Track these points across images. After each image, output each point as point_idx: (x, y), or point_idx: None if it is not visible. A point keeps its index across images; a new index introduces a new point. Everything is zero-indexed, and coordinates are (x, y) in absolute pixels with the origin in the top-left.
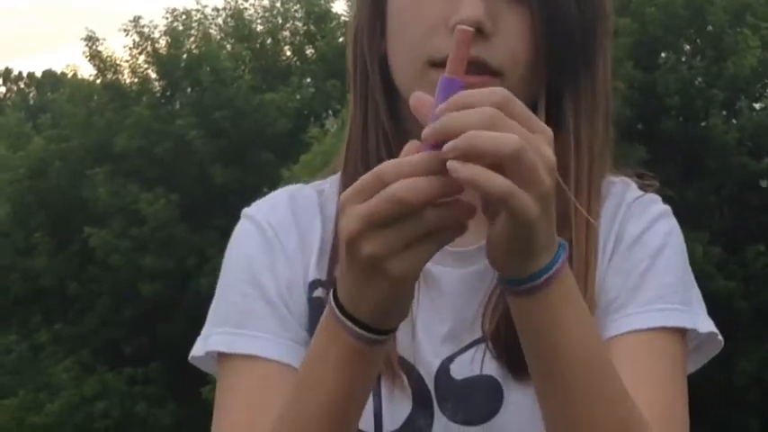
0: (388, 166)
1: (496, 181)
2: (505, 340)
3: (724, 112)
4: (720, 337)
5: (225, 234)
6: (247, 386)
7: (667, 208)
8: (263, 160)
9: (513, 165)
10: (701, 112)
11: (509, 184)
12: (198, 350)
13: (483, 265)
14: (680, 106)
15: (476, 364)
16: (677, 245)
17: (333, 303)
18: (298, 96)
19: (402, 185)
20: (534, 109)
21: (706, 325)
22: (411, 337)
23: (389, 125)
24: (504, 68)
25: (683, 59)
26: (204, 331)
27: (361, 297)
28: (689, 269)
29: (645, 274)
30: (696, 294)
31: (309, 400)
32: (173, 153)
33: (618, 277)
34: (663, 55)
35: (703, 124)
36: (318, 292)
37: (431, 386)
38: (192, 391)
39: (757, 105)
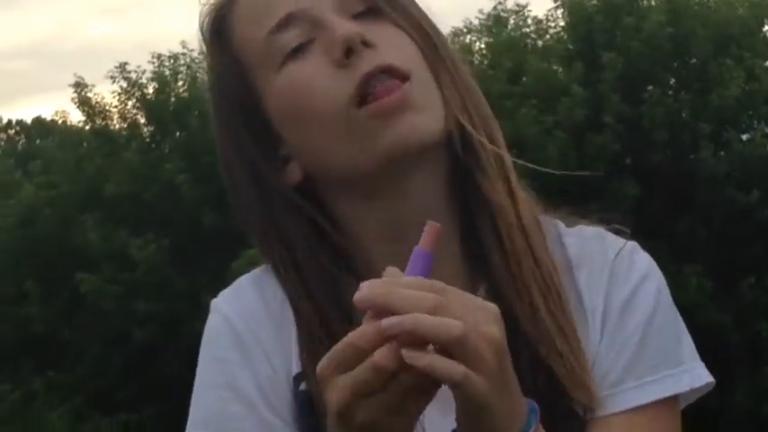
0: (357, 335)
1: (452, 367)
2: None
3: (711, 145)
4: (712, 379)
5: (216, 277)
6: None
7: (649, 259)
8: None
9: (458, 350)
10: (689, 145)
11: (463, 370)
12: None
13: None
14: (667, 140)
15: None
16: (667, 302)
17: None
18: None
19: (380, 353)
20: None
21: (701, 377)
22: None
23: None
24: (408, 70)
25: (669, 92)
26: None
27: None
28: (679, 319)
29: (641, 344)
30: (689, 345)
31: None
32: (162, 197)
33: (612, 350)
34: (649, 88)
35: (691, 157)
36: (305, 386)
37: None
38: None
39: (744, 137)
